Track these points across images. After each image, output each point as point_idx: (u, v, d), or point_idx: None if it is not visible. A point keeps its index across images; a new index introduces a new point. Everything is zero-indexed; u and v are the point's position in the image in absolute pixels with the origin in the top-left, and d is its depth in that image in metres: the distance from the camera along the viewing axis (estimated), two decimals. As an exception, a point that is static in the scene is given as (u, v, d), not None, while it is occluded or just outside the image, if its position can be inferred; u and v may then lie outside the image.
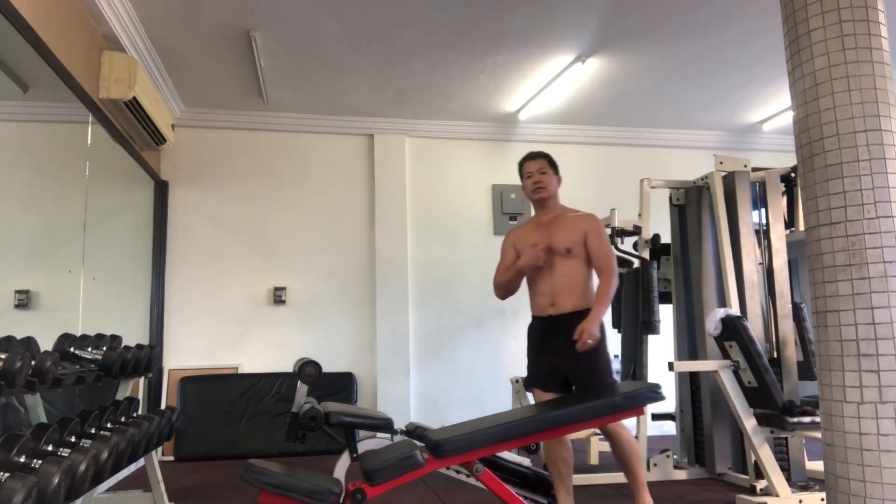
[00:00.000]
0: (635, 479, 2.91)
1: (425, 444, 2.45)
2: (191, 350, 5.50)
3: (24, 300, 3.46)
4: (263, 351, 5.60)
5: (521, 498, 2.51)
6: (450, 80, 5.20)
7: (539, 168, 3.08)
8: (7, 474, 1.72)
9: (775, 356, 3.98)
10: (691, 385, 4.36)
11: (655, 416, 4.62)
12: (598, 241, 2.96)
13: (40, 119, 3.73)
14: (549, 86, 5.23)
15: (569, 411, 2.49)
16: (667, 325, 4.48)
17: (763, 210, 4.24)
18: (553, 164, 3.12)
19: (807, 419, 3.40)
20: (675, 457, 4.28)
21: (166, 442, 3.91)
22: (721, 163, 4.19)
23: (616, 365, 4.90)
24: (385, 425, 2.94)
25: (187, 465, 4.94)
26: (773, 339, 4.03)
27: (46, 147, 3.82)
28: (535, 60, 4.85)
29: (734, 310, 3.79)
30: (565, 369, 2.94)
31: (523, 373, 3.47)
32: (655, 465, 4.09)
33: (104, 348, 2.85)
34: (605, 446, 4.33)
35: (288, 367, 5.55)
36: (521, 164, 3.16)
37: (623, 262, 4.48)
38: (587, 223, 2.99)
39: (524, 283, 3.13)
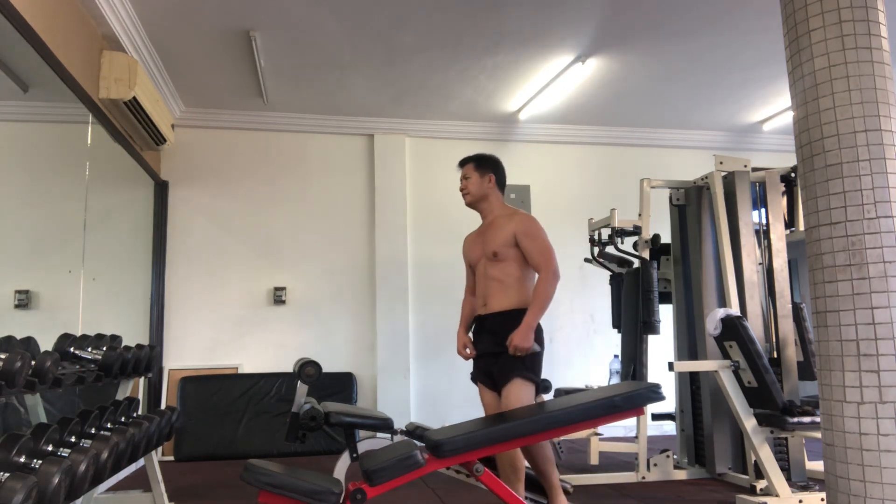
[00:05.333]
0: (548, 482, 2.81)
1: (425, 444, 2.45)
2: (191, 350, 5.50)
3: (24, 300, 3.46)
4: (263, 351, 5.60)
5: (520, 498, 2.50)
6: (450, 80, 5.20)
7: (463, 174, 3.07)
8: (7, 474, 1.72)
9: (775, 356, 3.98)
10: (691, 385, 4.36)
11: (655, 416, 4.62)
12: (528, 241, 2.86)
13: (40, 119, 3.73)
14: (549, 86, 5.23)
15: (569, 411, 2.49)
16: (667, 325, 4.48)
17: (763, 210, 4.24)
18: (481, 165, 3.04)
19: (807, 419, 3.40)
20: (675, 457, 4.29)
21: (166, 442, 3.91)
22: (721, 163, 4.19)
23: (616, 365, 4.91)
24: (385, 425, 2.93)
25: (187, 465, 4.94)
26: (773, 339, 4.03)
27: (46, 147, 3.82)
28: (535, 60, 4.85)
29: (734, 310, 3.79)
30: (493, 367, 2.91)
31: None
32: (655, 465, 4.09)
33: (104, 348, 2.85)
34: (605, 446, 4.33)
35: (288, 367, 5.55)
36: None
37: (623, 262, 4.48)
38: (515, 224, 2.90)
39: None
